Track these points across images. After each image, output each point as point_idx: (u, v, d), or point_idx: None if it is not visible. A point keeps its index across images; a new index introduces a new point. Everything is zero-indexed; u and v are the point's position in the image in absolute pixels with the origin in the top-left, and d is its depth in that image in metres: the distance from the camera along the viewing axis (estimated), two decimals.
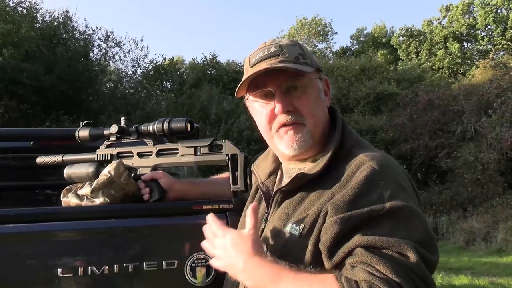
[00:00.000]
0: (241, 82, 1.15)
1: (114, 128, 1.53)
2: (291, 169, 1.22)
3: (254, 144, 12.51)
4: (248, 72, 1.16)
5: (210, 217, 1.19)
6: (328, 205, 1.00)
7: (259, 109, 1.19)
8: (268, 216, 1.18)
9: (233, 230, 1.13)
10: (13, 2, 13.55)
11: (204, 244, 1.18)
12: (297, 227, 1.05)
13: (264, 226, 1.17)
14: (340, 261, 0.95)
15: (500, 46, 24.06)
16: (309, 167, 1.14)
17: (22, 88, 12.36)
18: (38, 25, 14.50)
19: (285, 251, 1.05)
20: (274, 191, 1.20)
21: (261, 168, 1.31)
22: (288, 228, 1.07)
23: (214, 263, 1.13)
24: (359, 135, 1.22)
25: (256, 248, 1.04)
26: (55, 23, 15.10)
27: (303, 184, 1.12)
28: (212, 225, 1.16)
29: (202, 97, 16.11)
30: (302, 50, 1.17)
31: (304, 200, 1.10)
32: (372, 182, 1.00)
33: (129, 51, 17.49)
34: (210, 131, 14.08)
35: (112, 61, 17.15)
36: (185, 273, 1.34)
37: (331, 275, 0.93)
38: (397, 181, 1.03)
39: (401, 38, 27.38)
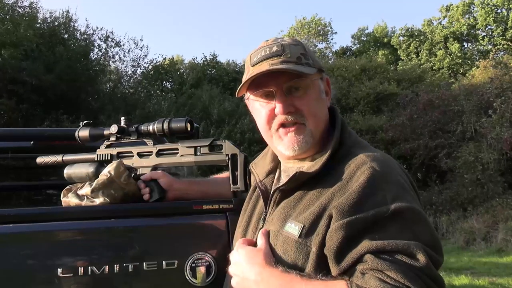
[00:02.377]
0: (242, 82, 1.15)
1: (114, 128, 1.53)
2: (289, 168, 1.21)
3: (256, 145, 12.50)
4: (249, 71, 1.16)
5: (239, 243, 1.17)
6: (332, 209, 0.99)
7: (259, 108, 1.19)
8: (266, 215, 1.18)
9: (246, 246, 1.13)
10: (10, 1, 13.53)
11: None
12: (296, 227, 1.04)
13: (262, 225, 1.17)
14: (348, 267, 0.94)
15: (500, 46, 24.07)
16: (308, 166, 1.14)
17: (22, 87, 12.36)
18: (38, 25, 14.49)
19: (284, 250, 1.04)
20: (272, 190, 1.19)
21: (259, 166, 1.31)
22: (286, 228, 1.06)
23: (232, 281, 1.13)
24: (358, 136, 1.22)
25: (268, 260, 1.04)
26: (56, 23, 15.10)
27: (301, 183, 1.11)
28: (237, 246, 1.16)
29: (204, 97, 16.11)
30: (305, 50, 1.16)
31: (302, 199, 1.10)
32: (375, 184, 1.00)
33: (128, 50, 17.48)
34: (214, 130, 14.08)
35: (112, 61, 17.15)
36: (185, 273, 1.34)
37: (342, 282, 0.92)
38: (399, 182, 1.03)
39: (401, 38, 27.39)
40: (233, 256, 1.14)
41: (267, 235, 1.11)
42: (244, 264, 1.08)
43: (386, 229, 0.94)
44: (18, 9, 13.84)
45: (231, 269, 1.14)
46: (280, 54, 1.12)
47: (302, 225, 1.03)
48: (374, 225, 0.94)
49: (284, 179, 1.20)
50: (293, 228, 1.05)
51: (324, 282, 0.94)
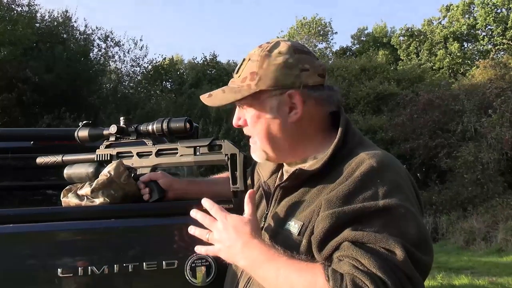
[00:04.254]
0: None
1: (113, 128, 1.53)
2: (291, 168, 1.22)
3: None
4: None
5: (207, 202, 1.16)
6: (322, 200, 1.00)
7: None
8: (267, 214, 1.18)
9: (233, 214, 1.12)
10: (7, 1, 13.52)
11: (195, 230, 1.17)
12: (296, 225, 1.05)
13: (264, 224, 1.17)
14: (329, 255, 0.96)
15: (500, 46, 24.07)
16: (309, 165, 1.14)
17: (23, 86, 12.36)
18: (37, 25, 14.48)
19: (284, 248, 1.04)
20: (274, 188, 1.20)
21: (264, 168, 1.32)
22: (287, 226, 1.07)
23: (211, 248, 1.12)
24: (363, 135, 1.22)
25: (256, 232, 1.06)
26: (55, 23, 15.09)
27: (302, 182, 1.11)
28: (212, 210, 1.14)
29: None
30: (261, 66, 1.09)
31: (303, 198, 1.10)
32: (368, 179, 1.00)
33: (128, 50, 17.49)
34: (212, 128, 14.08)
35: (111, 61, 17.15)
36: (185, 273, 1.34)
37: (319, 264, 0.95)
38: (395, 181, 1.02)
39: (401, 38, 27.38)
40: (218, 223, 1.11)
41: (253, 199, 1.13)
42: (231, 232, 1.07)
43: (371, 223, 0.94)
44: (16, 7, 13.84)
45: (213, 236, 1.11)
46: (237, 71, 1.15)
47: (302, 223, 1.04)
48: (359, 218, 0.95)
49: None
50: (293, 226, 1.05)
51: (303, 261, 0.97)
